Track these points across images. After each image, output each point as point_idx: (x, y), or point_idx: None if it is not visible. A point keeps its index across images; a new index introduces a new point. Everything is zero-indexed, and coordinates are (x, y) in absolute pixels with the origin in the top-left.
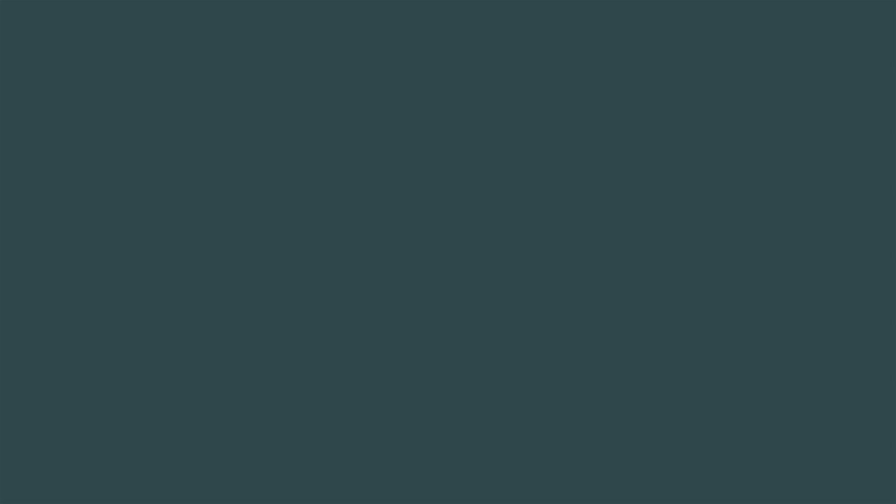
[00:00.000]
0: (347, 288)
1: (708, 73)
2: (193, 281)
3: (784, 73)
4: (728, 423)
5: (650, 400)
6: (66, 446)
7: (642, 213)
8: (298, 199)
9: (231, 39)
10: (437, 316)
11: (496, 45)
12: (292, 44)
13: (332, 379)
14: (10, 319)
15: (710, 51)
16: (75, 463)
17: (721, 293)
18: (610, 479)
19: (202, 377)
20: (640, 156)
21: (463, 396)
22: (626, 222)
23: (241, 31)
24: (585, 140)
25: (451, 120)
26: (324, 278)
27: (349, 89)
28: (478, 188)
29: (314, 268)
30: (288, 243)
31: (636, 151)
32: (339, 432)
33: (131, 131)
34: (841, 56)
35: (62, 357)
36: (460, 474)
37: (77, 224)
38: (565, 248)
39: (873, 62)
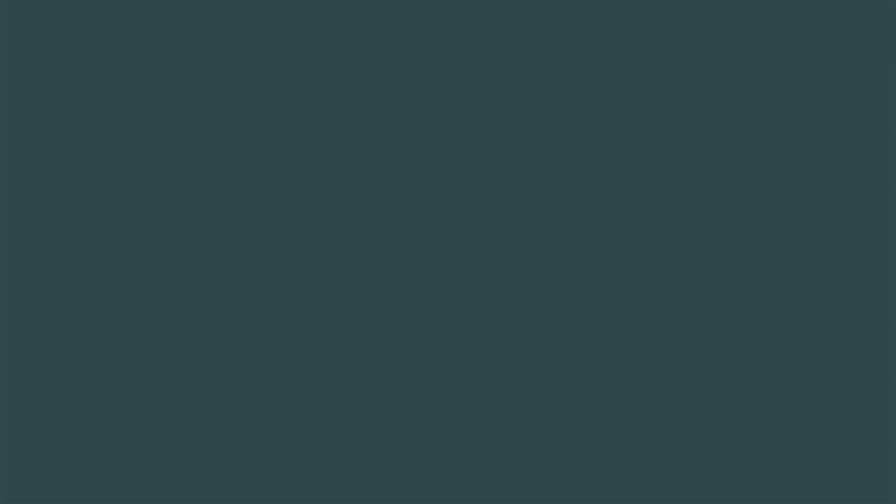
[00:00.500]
0: (347, 288)
1: (708, 72)
2: (193, 281)
3: (784, 73)
4: (728, 423)
5: (650, 400)
6: (66, 446)
7: (642, 213)
8: (298, 198)
9: (231, 39)
10: (438, 316)
11: (496, 45)
12: (292, 44)
13: (332, 379)
14: (10, 319)
15: (709, 50)
16: (75, 463)
17: (721, 293)
18: (610, 480)
19: (202, 377)
20: (640, 156)
21: (463, 396)
22: (626, 222)
23: (241, 31)
24: (585, 140)
25: (451, 120)
26: (324, 278)
27: (349, 89)
28: (477, 188)
29: (314, 268)
30: (288, 243)
31: (636, 151)
32: (339, 432)
33: (131, 131)
34: (841, 56)
35: (62, 357)
36: (460, 474)
37: (77, 224)
38: (565, 248)
39: (873, 62)
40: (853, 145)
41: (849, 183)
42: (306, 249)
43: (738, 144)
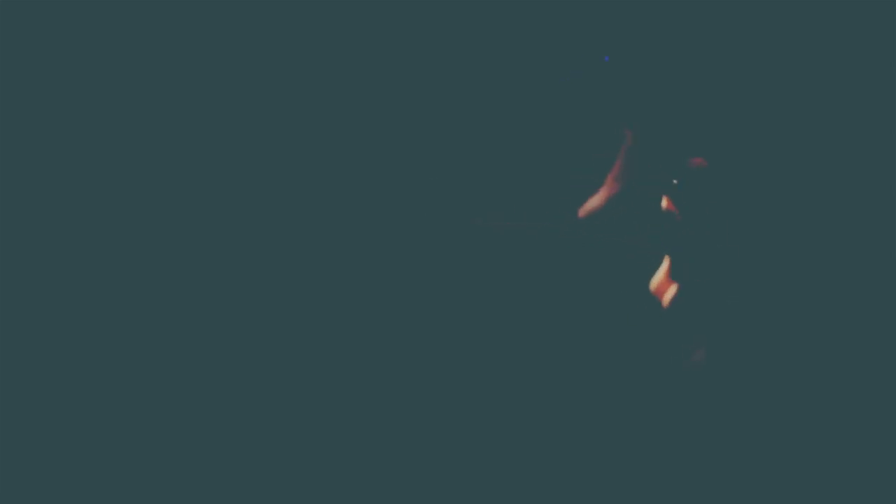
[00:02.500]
0: (347, 288)
1: (706, 72)
2: (193, 281)
3: (783, 73)
4: (728, 423)
5: (649, 400)
6: (66, 446)
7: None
8: (298, 198)
9: (231, 39)
10: (437, 317)
11: (496, 45)
12: (292, 43)
13: (332, 379)
14: (9, 319)
15: (708, 50)
16: (75, 464)
17: (720, 292)
18: (610, 481)
19: (202, 378)
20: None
21: (463, 397)
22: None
23: (241, 31)
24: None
25: (450, 119)
26: (323, 278)
27: (349, 89)
28: (475, 187)
29: (314, 268)
30: (288, 243)
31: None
32: (339, 432)
33: (131, 131)
34: (841, 56)
35: (62, 357)
36: (460, 475)
37: (77, 224)
38: (564, 248)
39: (873, 62)
40: (853, 145)
41: (849, 183)
42: (306, 249)
43: (736, 144)
